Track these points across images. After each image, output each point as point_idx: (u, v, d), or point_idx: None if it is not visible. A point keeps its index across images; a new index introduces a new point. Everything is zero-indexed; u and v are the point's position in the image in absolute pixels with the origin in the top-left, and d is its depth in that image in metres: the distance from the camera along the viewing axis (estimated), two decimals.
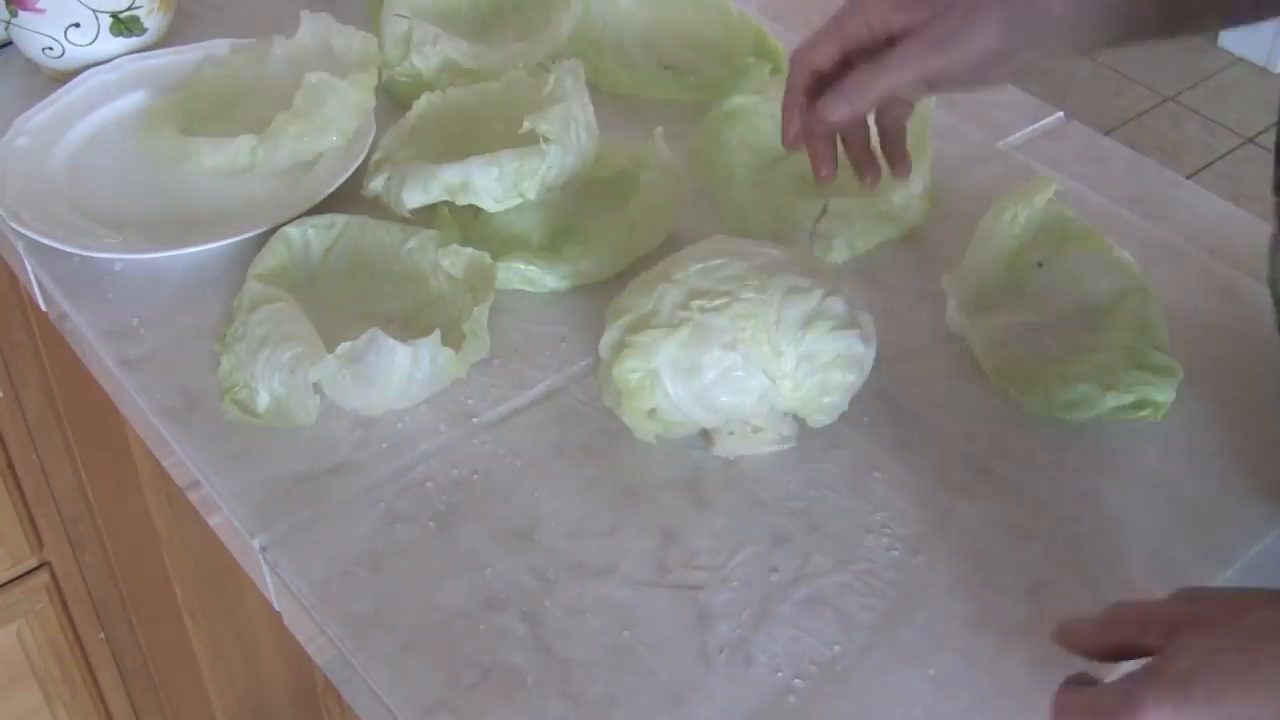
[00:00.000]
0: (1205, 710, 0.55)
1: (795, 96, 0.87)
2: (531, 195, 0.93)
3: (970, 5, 0.79)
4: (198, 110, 1.07)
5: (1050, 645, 0.71)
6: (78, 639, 1.62)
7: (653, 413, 0.80)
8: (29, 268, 0.99)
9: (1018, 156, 1.07)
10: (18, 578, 1.52)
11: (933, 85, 0.82)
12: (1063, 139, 1.08)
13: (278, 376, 0.84)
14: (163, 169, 1.03)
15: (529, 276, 0.93)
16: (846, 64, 0.85)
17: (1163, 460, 0.82)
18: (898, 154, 0.92)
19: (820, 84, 0.86)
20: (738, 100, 1.04)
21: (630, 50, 1.14)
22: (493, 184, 0.92)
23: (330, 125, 1.00)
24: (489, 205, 0.92)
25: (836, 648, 0.72)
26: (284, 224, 0.95)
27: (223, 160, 0.99)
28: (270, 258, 0.91)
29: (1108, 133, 2.63)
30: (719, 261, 0.81)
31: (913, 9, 0.81)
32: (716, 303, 0.78)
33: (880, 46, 0.83)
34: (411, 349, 0.83)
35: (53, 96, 1.08)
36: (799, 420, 0.82)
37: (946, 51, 0.79)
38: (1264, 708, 0.55)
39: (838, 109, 0.84)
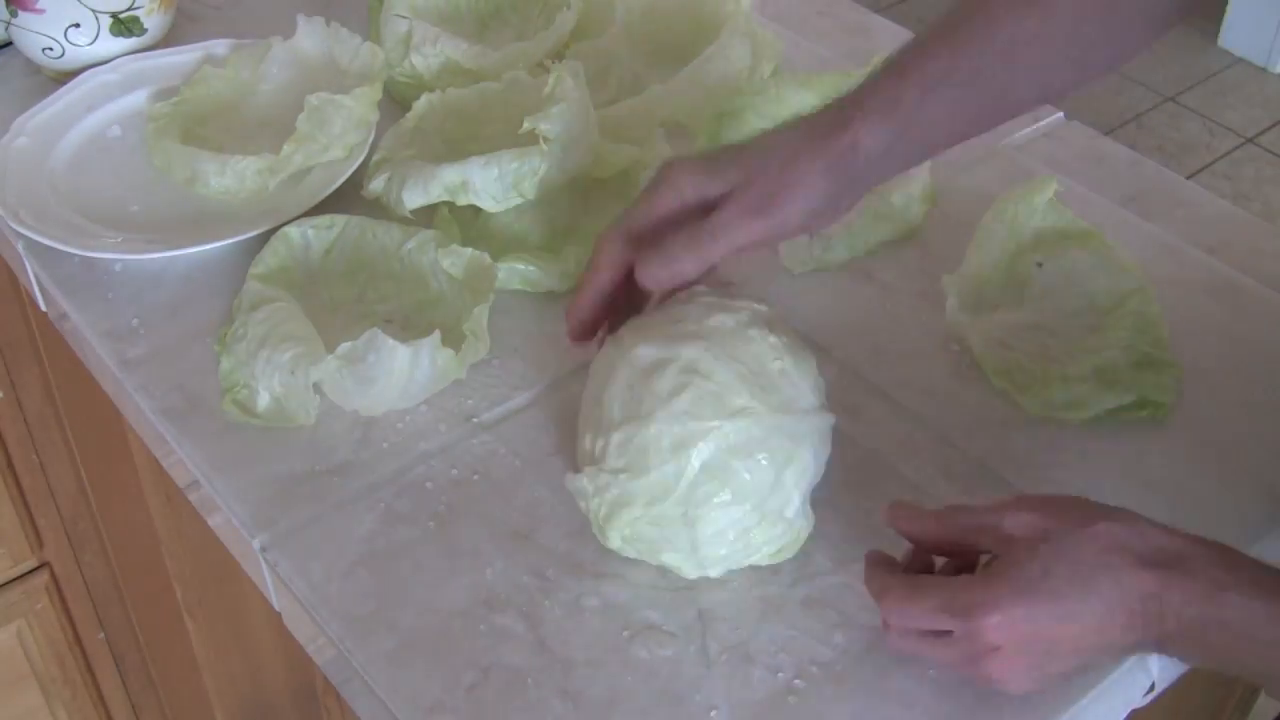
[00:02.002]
0: (1049, 607, 0.64)
1: (597, 288, 0.80)
2: (530, 196, 0.93)
3: (785, 161, 0.76)
4: (198, 113, 1.07)
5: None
6: (78, 639, 1.62)
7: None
8: (29, 268, 0.99)
9: (1018, 156, 1.07)
10: (18, 578, 1.52)
11: (760, 246, 0.78)
12: (1063, 139, 1.08)
13: (277, 376, 0.84)
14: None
15: (529, 277, 0.93)
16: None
17: (1163, 460, 0.82)
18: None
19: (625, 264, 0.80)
20: (737, 100, 1.04)
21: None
22: (492, 184, 0.92)
23: (335, 143, 1.00)
24: (488, 205, 0.92)
25: (836, 648, 0.72)
26: (284, 224, 0.95)
27: (230, 182, 0.99)
28: (270, 258, 0.91)
29: (1108, 133, 2.63)
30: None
31: (727, 173, 0.77)
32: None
33: (695, 215, 0.77)
34: (411, 349, 0.82)
35: (53, 97, 1.08)
36: None
37: (769, 216, 0.76)
38: (1097, 608, 0.64)
39: (655, 275, 0.77)
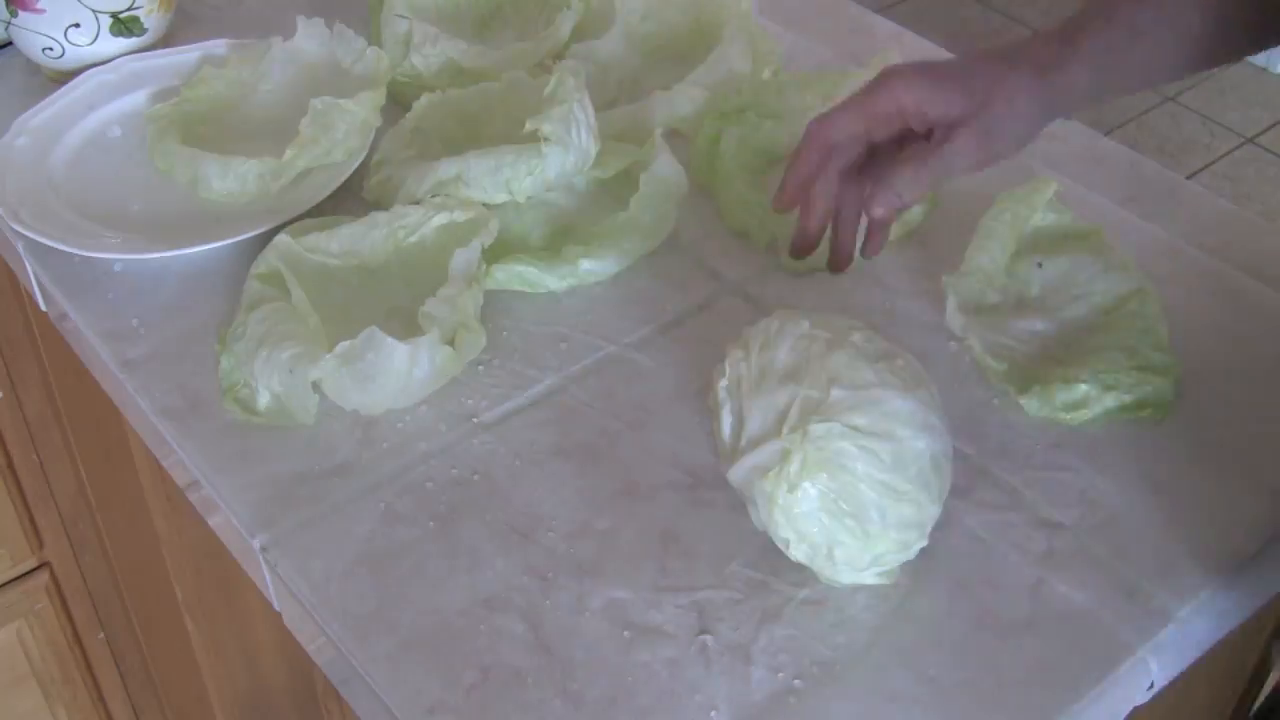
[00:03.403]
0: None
1: (807, 164, 0.84)
2: (522, 199, 0.93)
3: (1009, 90, 0.80)
4: (198, 113, 1.07)
5: (1051, 645, 0.71)
6: (78, 639, 1.62)
7: None
8: (29, 268, 0.99)
9: (1018, 156, 1.06)
10: (18, 578, 1.52)
11: (973, 172, 0.83)
12: (1063, 139, 1.08)
13: (277, 376, 0.84)
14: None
15: (529, 277, 0.93)
16: (869, 141, 0.84)
17: (1163, 460, 0.82)
18: (880, 241, 0.91)
19: (835, 155, 0.84)
20: (738, 100, 1.04)
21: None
22: (485, 176, 0.92)
23: (338, 147, 1.00)
24: (478, 196, 0.92)
25: (836, 648, 0.72)
26: (284, 224, 0.95)
27: (232, 185, 0.99)
28: (271, 257, 0.91)
29: (1108, 133, 2.63)
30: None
31: (950, 97, 0.80)
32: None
33: (906, 129, 0.82)
34: (410, 347, 0.83)
35: (53, 97, 1.08)
36: None
37: (991, 149, 0.80)
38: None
39: (887, 203, 0.81)
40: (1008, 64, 0.81)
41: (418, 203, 0.94)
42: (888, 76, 0.82)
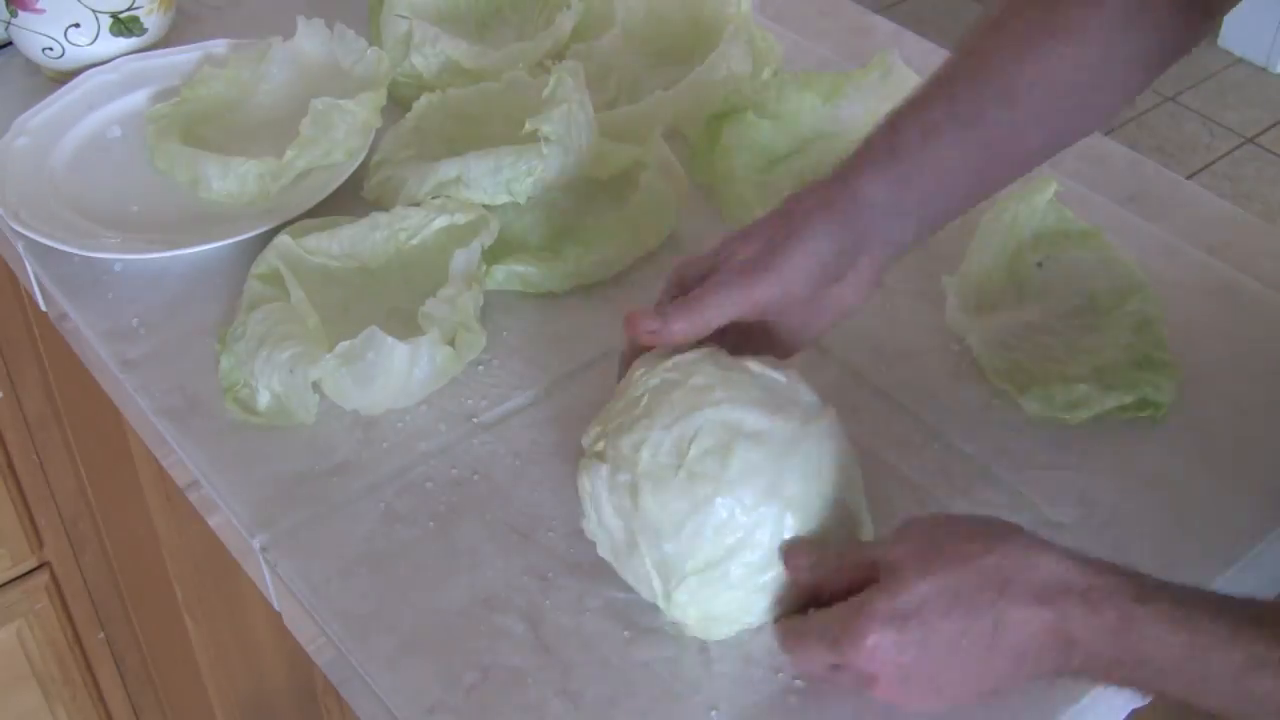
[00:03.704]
0: (921, 638, 0.62)
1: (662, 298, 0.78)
2: (522, 200, 0.93)
3: (783, 216, 0.75)
4: (198, 113, 1.07)
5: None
6: (77, 639, 1.62)
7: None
8: (29, 268, 0.99)
9: None
10: (18, 578, 1.52)
11: (762, 310, 0.75)
12: None
13: (277, 376, 0.84)
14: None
15: (529, 278, 0.93)
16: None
17: (1163, 460, 0.82)
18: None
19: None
20: (738, 100, 1.04)
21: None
22: (485, 176, 0.92)
23: (337, 148, 1.00)
24: (479, 198, 0.92)
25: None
26: (284, 224, 0.95)
27: (233, 185, 0.99)
28: (271, 257, 0.91)
29: (1108, 132, 2.63)
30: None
31: (722, 246, 0.76)
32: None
33: None
34: (410, 347, 0.83)
35: (53, 97, 1.08)
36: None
37: (768, 272, 0.73)
38: (977, 645, 0.62)
39: (673, 330, 0.74)
40: (793, 193, 0.77)
41: (418, 204, 0.94)
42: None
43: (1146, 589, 0.62)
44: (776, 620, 0.71)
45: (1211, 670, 0.59)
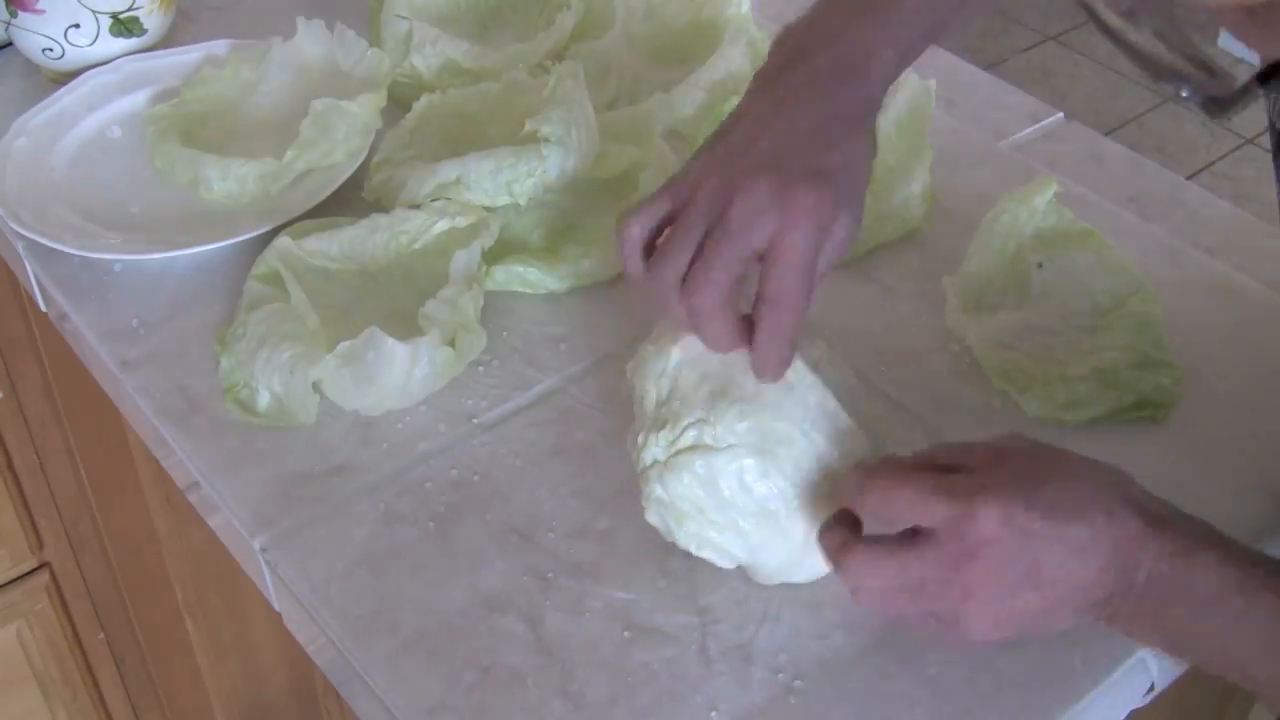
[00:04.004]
0: (1045, 513, 0.60)
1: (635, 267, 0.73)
2: (523, 201, 0.93)
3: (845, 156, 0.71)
4: (198, 114, 1.07)
5: (1051, 646, 0.71)
6: (77, 639, 1.62)
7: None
8: (29, 268, 0.99)
9: (1018, 157, 1.07)
10: (18, 578, 1.52)
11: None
12: (1063, 139, 1.08)
13: (277, 376, 0.84)
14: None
15: (529, 278, 0.93)
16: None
17: (1163, 460, 0.82)
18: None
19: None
20: (738, 100, 1.04)
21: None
22: (486, 178, 0.92)
23: (337, 149, 1.00)
24: (479, 199, 0.92)
25: (836, 648, 0.72)
26: (284, 225, 0.95)
27: (233, 186, 0.99)
28: (271, 258, 0.91)
29: (1108, 133, 2.62)
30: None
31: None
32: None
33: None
34: (410, 347, 0.83)
35: (53, 97, 1.08)
36: None
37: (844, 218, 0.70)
38: (1084, 534, 0.61)
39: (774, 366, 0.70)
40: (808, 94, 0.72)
41: (418, 206, 0.93)
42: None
43: (1213, 529, 0.64)
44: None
45: (1261, 610, 0.60)
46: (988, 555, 0.60)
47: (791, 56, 0.73)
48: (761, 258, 0.66)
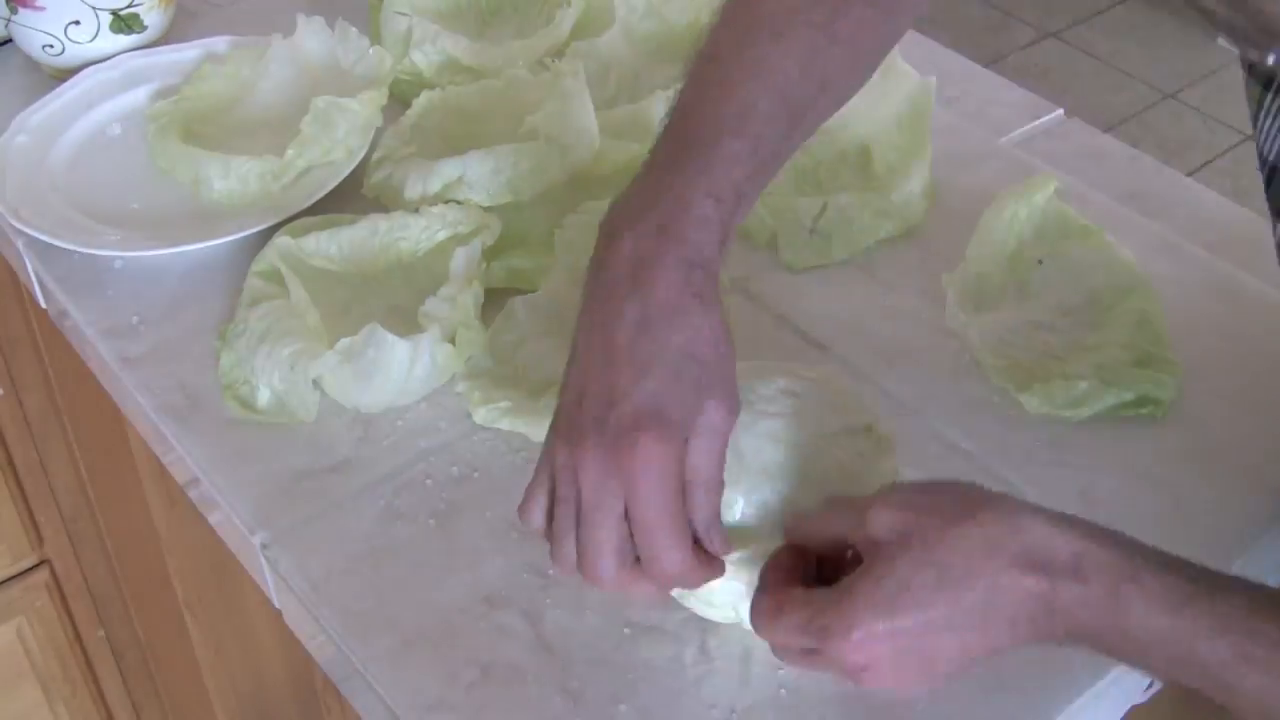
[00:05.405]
0: (914, 619, 0.59)
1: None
2: (525, 197, 0.93)
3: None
4: (198, 110, 1.07)
5: (1051, 645, 0.71)
6: (78, 636, 1.62)
7: None
8: (29, 265, 0.99)
9: (1018, 154, 1.07)
10: (18, 575, 1.51)
11: None
12: (1063, 136, 1.08)
13: (277, 373, 0.84)
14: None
15: (529, 276, 0.92)
16: None
17: (1163, 459, 0.82)
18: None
19: None
20: None
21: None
22: (487, 178, 0.92)
23: (338, 146, 1.00)
24: (481, 199, 0.92)
25: None
26: (284, 222, 0.95)
27: (234, 185, 0.99)
28: (271, 255, 0.91)
29: (1107, 130, 2.62)
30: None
31: None
32: None
33: None
34: (410, 344, 0.83)
35: (53, 94, 1.08)
36: None
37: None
38: (972, 614, 0.59)
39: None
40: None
41: (417, 210, 0.93)
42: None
43: (1139, 564, 0.59)
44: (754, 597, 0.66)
45: (1197, 658, 0.57)
46: (874, 671, 0.61)
47: (605, 245, 0.68)
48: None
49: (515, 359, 0.87)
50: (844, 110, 1.02)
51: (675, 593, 0.71)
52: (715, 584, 0.67)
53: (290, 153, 0.99)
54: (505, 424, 0.82)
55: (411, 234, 0.92)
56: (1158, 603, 0.58)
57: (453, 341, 0.85)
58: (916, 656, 0.60)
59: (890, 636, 0.59)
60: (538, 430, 0.79)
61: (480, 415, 0.82)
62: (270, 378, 0.84)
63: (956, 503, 0.62)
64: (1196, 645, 0.57)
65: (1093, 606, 0.58)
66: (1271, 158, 0.73)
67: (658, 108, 1.05)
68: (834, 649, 0.60)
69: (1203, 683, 0.58)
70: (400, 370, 0.83)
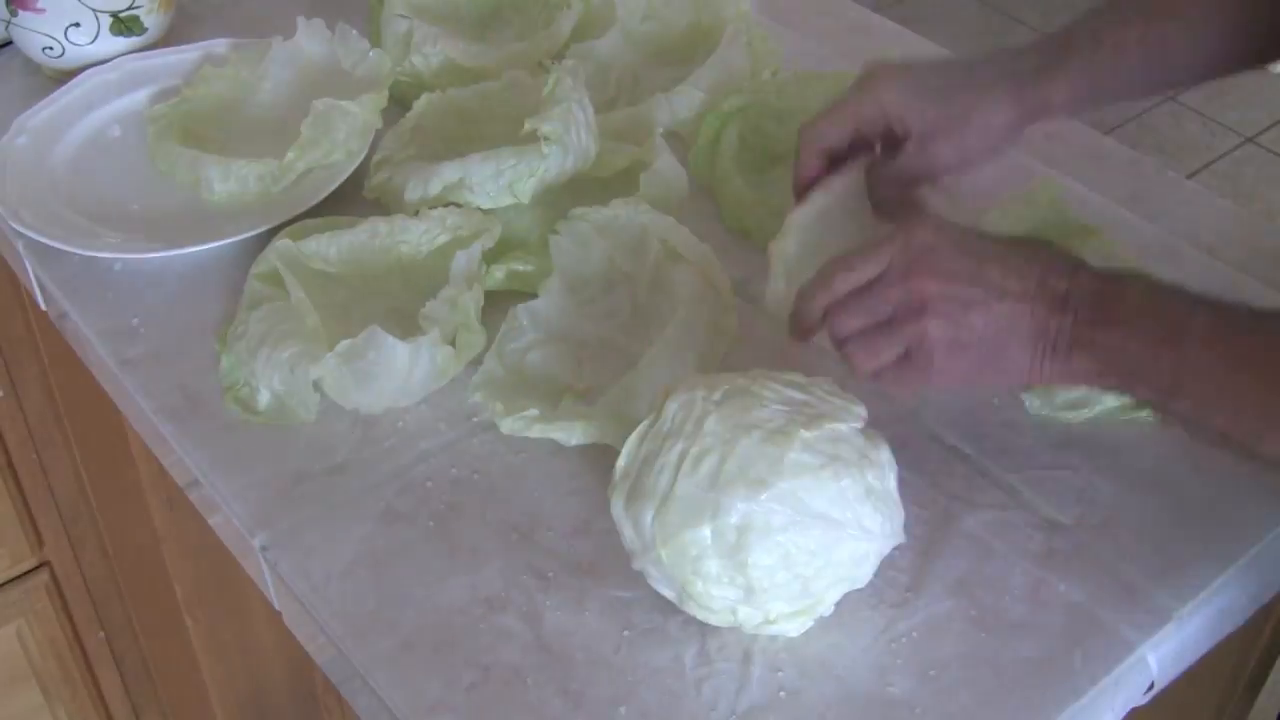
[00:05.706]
0: (967, 234, 0.74)
1: (809, 170, 0.86)
2: (525, 199, 0.93)
3: (988, 107, 0.83)
4: (198, 113, 1.07)
5: (1051, 645, 0.71)
6: (77, 638, 1.62)
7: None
8: (29, 267, 0.99)
9: (1018, 155, 1.06)
10: (17, 577, 1.51)
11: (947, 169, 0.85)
12: (1063, 138, 1.08)
13: (278, 375, 0.84)
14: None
15: (529, 278, 0.92)
16: (859, 142, 0.85)
17: (1163, 460, 0.82)
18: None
19: (832, 162, 0.86)
20: (737, 100, 1.04)
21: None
22: (488, 181, 0.92)
23: (338, 149, 1.00)
24: (482, 202, 0.92)
25: (836, 647, 0.72)
26: (284, 224, 0.95)
27: (234, 187, 0.99)
28: (271, 257, 0.91)
29: (1108, 132, 2.63)
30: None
31: (929, 110, 0.83)
32: None
33: (890, 133, 0.84)
34: (411, 346, 0.83)
35: (53, 96, 1.08)
36: None
37: (972, 154, 0.84)
38: (1007, 254, 0.72)
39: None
40: (990, 76, 0.83)
41: (417, 213, 0.93)
42: (872, 79, 0.84)
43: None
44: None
45: (1165, 326, 0.68)
46: (932, 258, 0.71)
47: None
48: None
49: (524, 366, 0.87)
50: None
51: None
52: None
53: (290, 155, 0.99)
54: (535, 432, 0.81)
55: (411, 237, 0.92)
56: (1156, 284, 0.70)
57: (453, 344, 0.85)
58: (965, 268, 0.71)
59: (955, 230, 0.73)
60: (566, 435, 0.81)
61: (507, 425, 0.82)
62: (270, 380, 0.84)
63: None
64: (1195, 312, 0.68)
65: (1101, 279, 0.70)
66: None
67: (657, 110, 1.05)
68: (909, 229, 0.73)
69: (1167, 361, 0.68)
70: (400, 372, 0.83)
